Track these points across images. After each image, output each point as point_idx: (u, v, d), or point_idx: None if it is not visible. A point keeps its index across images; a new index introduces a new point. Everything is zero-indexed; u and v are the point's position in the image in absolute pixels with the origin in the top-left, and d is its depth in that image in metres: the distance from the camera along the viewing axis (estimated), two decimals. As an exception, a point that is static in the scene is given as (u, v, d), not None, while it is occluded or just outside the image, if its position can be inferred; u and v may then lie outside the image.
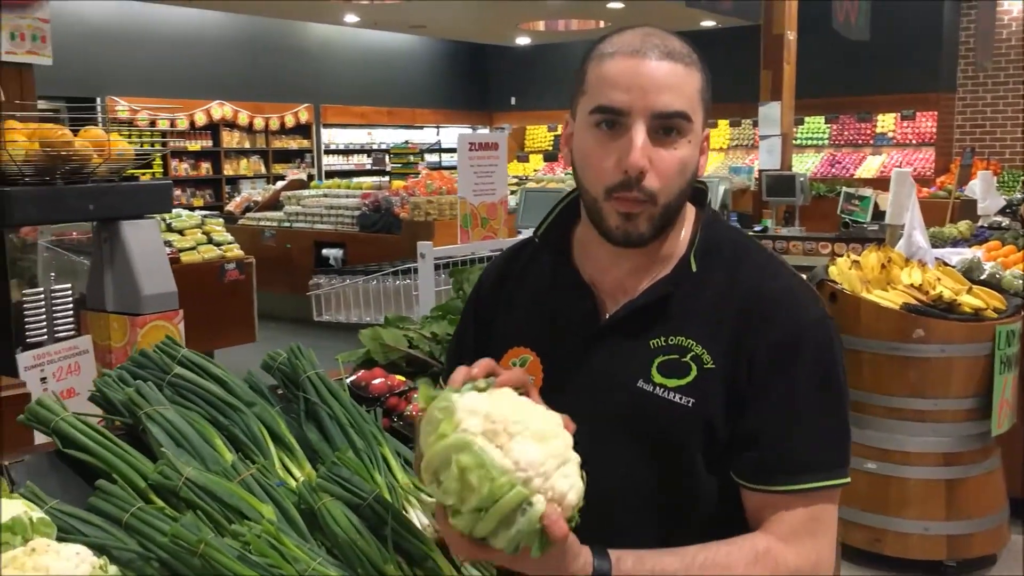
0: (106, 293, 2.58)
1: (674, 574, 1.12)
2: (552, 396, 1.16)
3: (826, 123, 14.03)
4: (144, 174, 11.91)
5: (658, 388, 1.20)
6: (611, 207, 1.19)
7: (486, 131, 16.83)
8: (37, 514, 1.36)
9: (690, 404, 1.19)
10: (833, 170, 13.69)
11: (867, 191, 7.19)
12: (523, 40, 15.71)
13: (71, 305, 2.54)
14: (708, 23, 13.27)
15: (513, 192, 7.98)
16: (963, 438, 3.60)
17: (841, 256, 3.91)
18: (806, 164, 13.95)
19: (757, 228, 7.77)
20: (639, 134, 1.16)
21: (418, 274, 2.74)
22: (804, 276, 1.38)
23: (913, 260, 3.99)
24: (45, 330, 2.46)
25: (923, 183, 12.35)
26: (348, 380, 2.01)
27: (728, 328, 1.20)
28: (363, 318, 3.38)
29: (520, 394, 1.10)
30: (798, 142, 14.24)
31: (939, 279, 3.64)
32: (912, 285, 3.63)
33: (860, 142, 13.85)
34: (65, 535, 1.39)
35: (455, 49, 16.00)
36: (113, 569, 1.28)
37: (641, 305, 1.24)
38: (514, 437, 1.02)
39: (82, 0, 10.76)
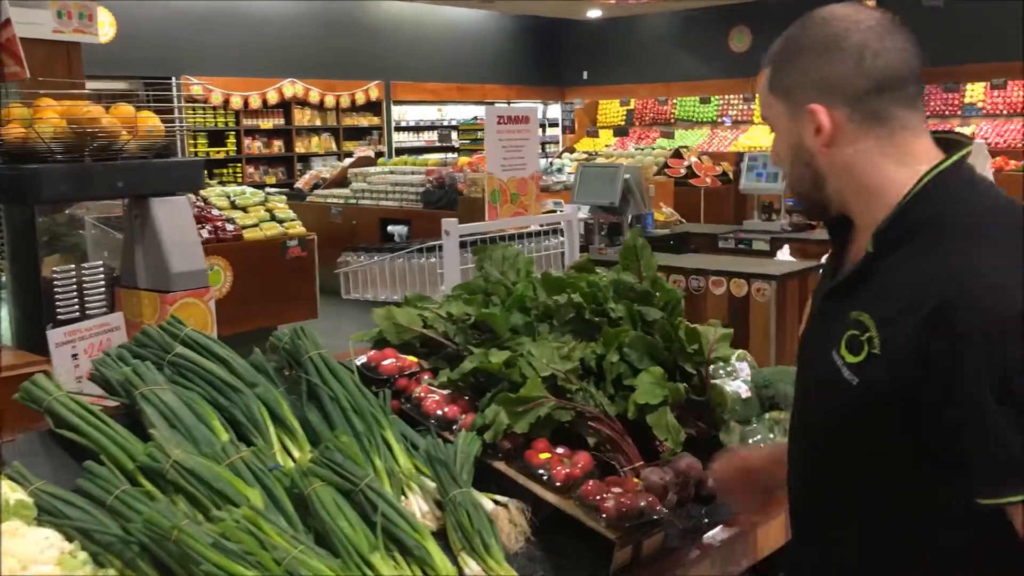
0: (137, 270, 2.59)
1: None
2: (802, 345, 1.38)
3: (911, 94, 13.46)
4: (218, 151, 12.14)
5: (840, 361, 1.22)
6: None
7: (557, 106, 16.66)
8: (17, 495, 1.34)
9: (854, 382, 1.19)
10: (918, 143, 13.13)
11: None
12: (594, 13, 15.45)
13: (103, 282, 2.55)
14: (785, -9, 12.82)
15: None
16: None
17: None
18: (889, 136, 13.42)
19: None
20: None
21: (443, 252, 2.69)
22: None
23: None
24: (77, 307, 2.47)
25: (1013, 156, 11.79)
26: (359, 361, 1.96)
27: (903, 318, 1.13)
28: (390, 296, 3.34)
29: None
30: (882, 114, 13.70)
31: None
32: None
33: (947, 113, 13.27)
34: (51, 517, 1.37)
35: (526, 24, 15.84)
36: (83, 555, 1.25)
37: (842, 279, 1.29)
38: None
39: (157, -19, 10.97)
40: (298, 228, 6.82)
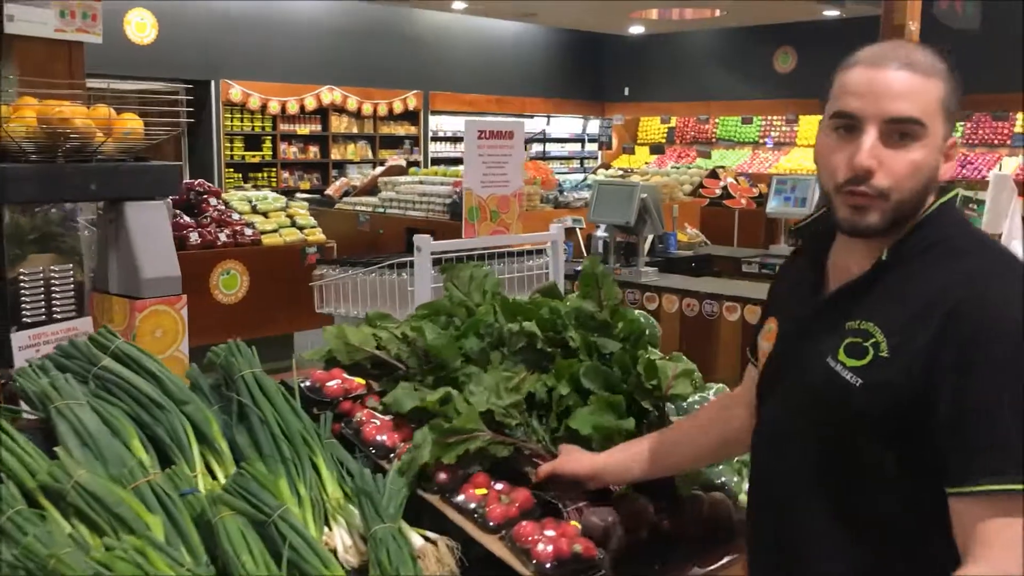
0: (110, 274, 2.54)
1: None
2: (775, 362, 1.45)
3: (958, 121, 13.13)
4: (254, 156, 12.23)
5: (839, 366, 1.30)
6: (842, 200, 1.31)
7: (597, 122, 16.55)
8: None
9: (858, 384, 1.27)
10: (964, 171, 12.82)
11: (985, 195, 6.64)
12: (636, 29, 15.34)
13: (71, 285, 2.51)
14: (831, 12, 12.62)
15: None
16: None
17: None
18: (934, 164, 13.11)
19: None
20: (869, 137, 1.27)
21: (413, 269, 2.61)
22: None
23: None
24: (44, 310, 2.43)
25: (1063, 188, 11.43)
26: (305, 381, 1.88)
27: (913, 325, 1.25)
28: (362, 312, 3.27)
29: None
30: (927, 140, 13.40)
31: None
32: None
33: (996, 142, 12.93)
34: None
35: (567, 37, 15.78)
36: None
37: (845, 290, 1.35)
38: None
39: (201, -14, 11.09)
40: (318, 235, 6.80)
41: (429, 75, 13.81)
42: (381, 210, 9.30)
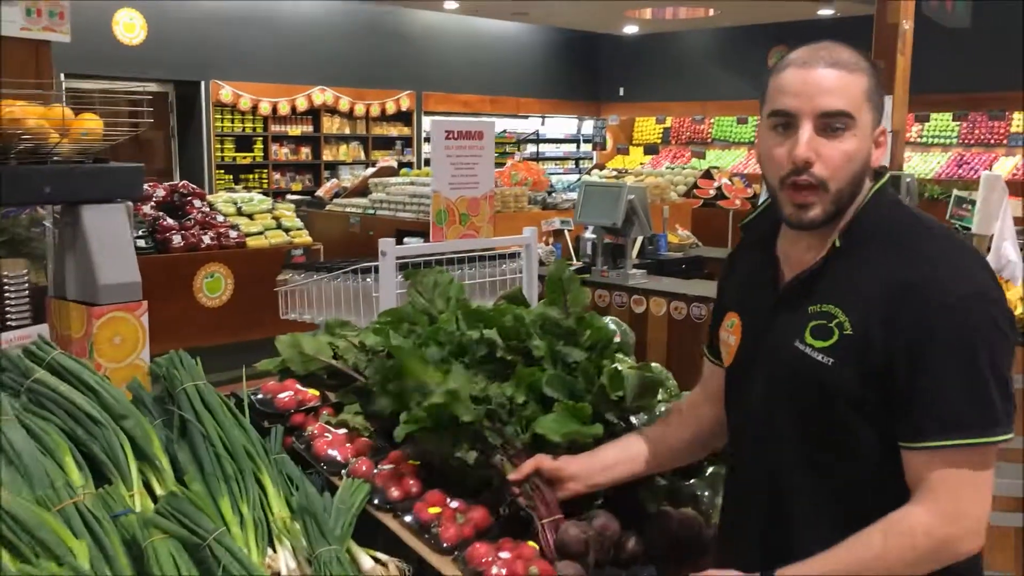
0: (67, 280, 2.46)
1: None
2: (745, 354, 1.53)
3: (954, 120, 13.07)
4: (245, 157, 12.14)
5: (808, 348, 1.41)
6: (786, 196, 1.42)
7: (592, 122, 16.47)
8: None
9: (830, 363, 1.38)
10: (960, 171, 12.74)
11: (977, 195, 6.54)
12: (631, 28, 15.25)
13: (27, 290, 2.42)
14: (825, 11, 12.55)
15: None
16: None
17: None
18: (930, 164, 13.05)
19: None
20: (806, 131, 1.38)
21: (378, 274, 2.52)
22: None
23: (1000, 276, 3.51)
24: (-5, 317, 2.35)
25: (1060, 188, 11.33)
26: (256, 393, 1.80)
27: (871, 304, 1.36)
28: (327, 319, 3.18)
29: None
30: (923, 140, 13.34)
31: (1022, 299, 3.18)
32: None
33: (992, 142, 12.84)
34: None
35: (562, 37, 15.69)
36: None
37: (803, 277, 1.45)
38: None
39: (190, -14, 11.00)
40: (304, 237, 6.71)
41: (422, 75, 13.72)
42: (372, 211, 9.22)
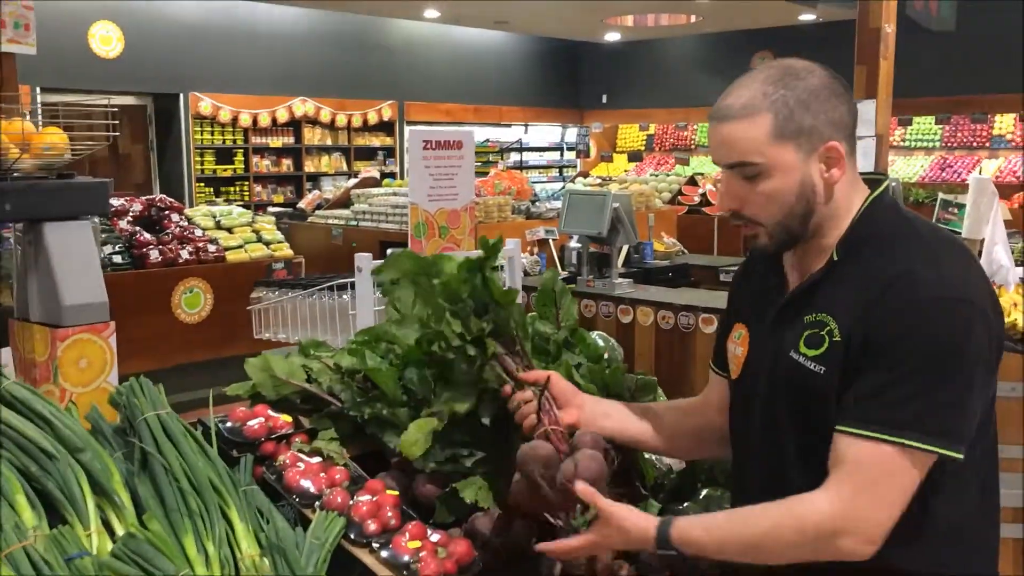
0: (30, 301, 2.36)
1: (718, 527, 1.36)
2: (750, 365, 1.53)
3: (937, 124, 13.08)
4: (226, 169, 12.01)
5: (801, 357, 1.41)
6: (740, 229, 1.48)
7: (575, 130, 16.42)
8: None
9: (821, 372, 1.38)
10: (943, 174, 12.75)
11: (966, 198, 6.51)
12: (612, 36, 15.22)
13: (-12, 314, 2.32)
14: (807, 16, 12.54)
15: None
16: (1039, 493, 3.06)
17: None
18: (914, 167, 13.05)
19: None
20: (725, 182, 1.44)
21: (355, 291, 2.43)
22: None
23: (992, 281, 3.45)
24: (-45, 341, 2.24)
25: (1043, 191, 11.33)
26: (225, 421, 1.70)
27: (855, 306, 1.36)
28: (303, 338, 3.08)
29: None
30: (907, 144, 13.34)
31: (1016, 304, 3.11)
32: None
33: (975, 144, 12.84)
34: None
35: (544, 46, 15.64)
36: None
37: (803, 288, 1.46)
38: None
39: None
40: (285, 250, 6.62)
41: (404, 85, 13.63)
42: (354, 223, 9.11)
